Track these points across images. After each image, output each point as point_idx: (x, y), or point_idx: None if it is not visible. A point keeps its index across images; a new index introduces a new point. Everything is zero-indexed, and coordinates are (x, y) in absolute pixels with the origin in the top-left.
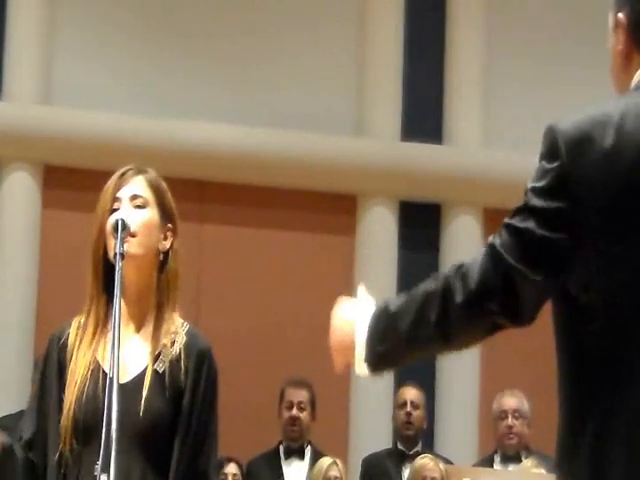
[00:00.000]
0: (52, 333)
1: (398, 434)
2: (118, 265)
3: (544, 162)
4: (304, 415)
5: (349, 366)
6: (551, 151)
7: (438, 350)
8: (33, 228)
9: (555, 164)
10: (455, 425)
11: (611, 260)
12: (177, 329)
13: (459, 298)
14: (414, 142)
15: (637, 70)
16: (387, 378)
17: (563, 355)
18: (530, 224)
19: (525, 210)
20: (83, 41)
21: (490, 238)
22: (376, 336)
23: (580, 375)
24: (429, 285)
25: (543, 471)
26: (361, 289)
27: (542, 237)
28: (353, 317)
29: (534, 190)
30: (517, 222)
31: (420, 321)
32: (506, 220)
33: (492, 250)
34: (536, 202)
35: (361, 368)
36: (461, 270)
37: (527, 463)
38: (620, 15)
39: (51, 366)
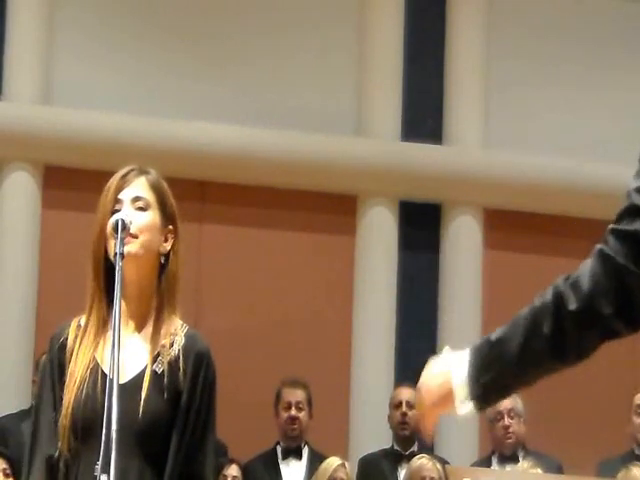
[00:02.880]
0: (52, 334)
1: (394, 434)
2: (118, 265)
3: None
4: (302, 415)
5: (443, 415)
6: None
7: (551, 366)
8: (33, 228)
9: None
10: (455, 425)
11: None
12: (176, 330)
13: (573, 305)
14: (414, 142)
15: None
16: (386, 377)
17: None
18: (637, 225)
19: (631, 211)
20: (83, 41)
21: (597, 246)
22: (480, 367)
23: None
24: (534, 303)
25: (540, 471)
26: (446, 350)
27: None
28: (446, 367)
29: (637, 190)
30: (624, 225)
31: (532, 338)
32: (611, 226)
33: (601, 255)
34: (637, 201)
35: (464, 407)
36: (569, 280)
37: (523, 465)
38: None
39: (52, 367)
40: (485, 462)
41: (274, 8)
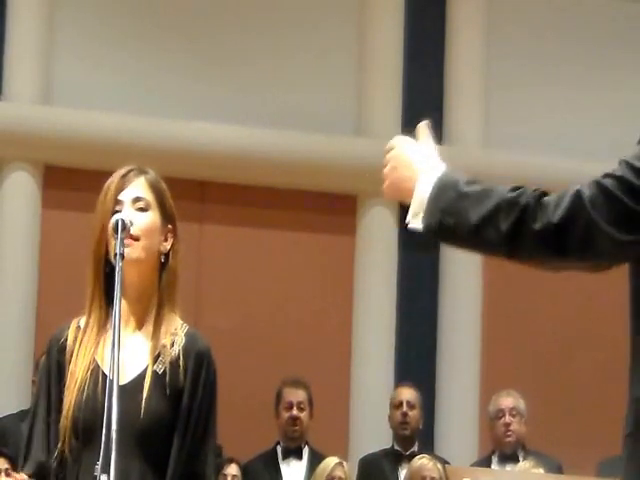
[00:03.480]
0: (51, 335)
1: (394, 434)
2: (118, 266)
3: None
4: (304, 415)
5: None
6: None
7: (496, 255)
8: (33, 228)
9: None
10: (455, 425)
11: None
12: (176, 330)
13: (536, 224)
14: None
15: None
16: (386, 378)
17: (637, 324)
18: (620, 194)
19: (619, 180)
20: (83, 41)
21: (578, 186)
22: (441, 204)
23: None
24: (506, 192)
25: (542, 471)
26: (423, 126)
27: (631, 209)
28: (418, 163)
29: (630, 166)
30: (610, 185)
31: (490, 222)
32: (598, 178)
33: (579, 199)
34: (630, 178)
35: (414, 221)
36: (542, 199)
37: (525, 464)
38: None
39: (51, 369)
40: (485, 462)
41: (274, 8)
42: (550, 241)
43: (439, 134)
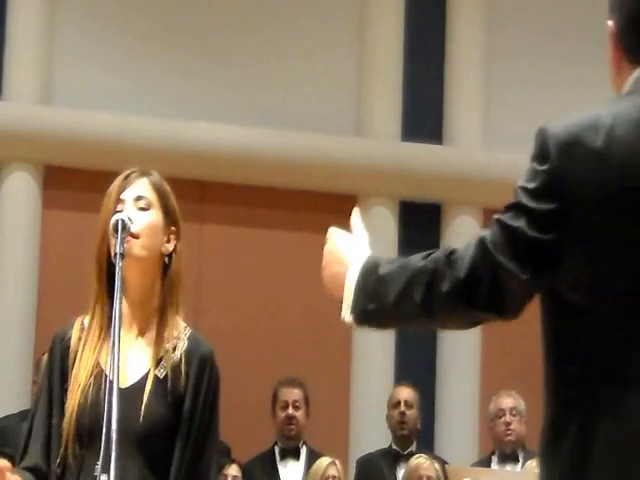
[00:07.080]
0: (55, 332)
1: (392, 434)
2: (118, 265)
3: (535, 164)
4: (300, 414)
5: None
6: (541, 153)
7: (424, 326)
8: (33, 228)
9: (545, 166)
10: (455, 425)
11: (600, 260)
12: (179, 334)
13: (445, 286)
14: (414, 142)
15: (628, 76)
16: (386, 377)
17: (549, 352)
18: (520, 223)
19: (516, 208)
20: (83, 41)
21: (482, 231)
22: (364, 293)
23: (565, 374)
24: (419, 261)
25: None
26: (356, 215)
27: (531, 237)
28: (347, 256)
29: (525, 190)
30: (508, 219)
31: (405, 296)
32: (497, 215)
33: (482, 244)
34: (527, 202)
35: (347, 316)
36: (451, 257)
37: (532, 463)
38: (610, 23)
39: (54, 370)
40: (485, 462)
41: (274, 8)
42: (461, 297)
43: (439, 134)
